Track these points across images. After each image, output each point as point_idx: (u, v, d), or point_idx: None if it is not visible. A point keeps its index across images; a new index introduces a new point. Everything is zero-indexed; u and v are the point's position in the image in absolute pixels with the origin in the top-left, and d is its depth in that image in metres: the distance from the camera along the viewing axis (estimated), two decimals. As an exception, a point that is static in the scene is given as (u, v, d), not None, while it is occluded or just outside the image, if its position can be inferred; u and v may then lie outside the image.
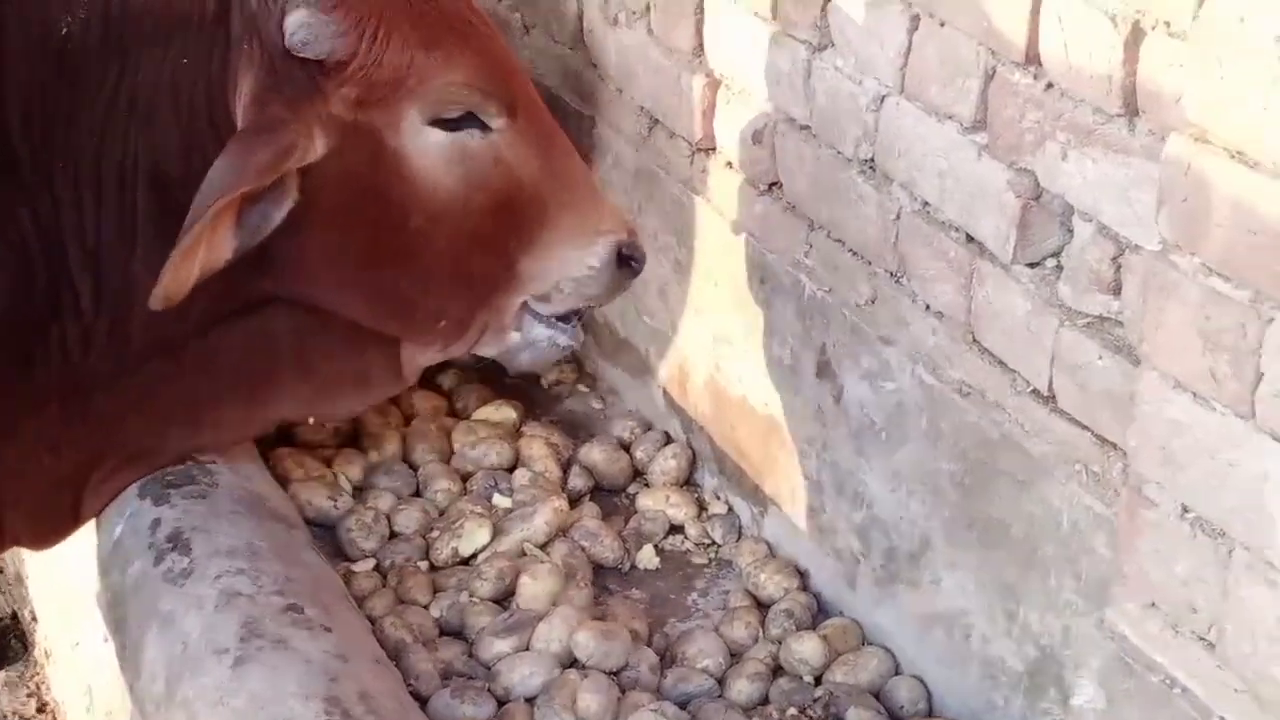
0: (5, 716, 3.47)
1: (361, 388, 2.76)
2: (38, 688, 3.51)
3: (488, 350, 2.73)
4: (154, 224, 2.46)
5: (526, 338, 2.69)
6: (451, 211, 2.51)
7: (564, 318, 2.69)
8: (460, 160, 2.50)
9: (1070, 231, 2.32)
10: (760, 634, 2.84)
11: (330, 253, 2.52)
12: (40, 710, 3.47)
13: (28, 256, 2.42)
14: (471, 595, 2.88)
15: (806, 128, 2.81)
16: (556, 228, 2.61)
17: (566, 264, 2.63)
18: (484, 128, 2.51)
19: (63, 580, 3.14)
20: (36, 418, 2.58)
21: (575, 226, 2.63)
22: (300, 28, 2.38)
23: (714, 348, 3.15)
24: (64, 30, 2.40)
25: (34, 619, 3.50)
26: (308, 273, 2.53)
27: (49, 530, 2.77)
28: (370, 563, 2.99)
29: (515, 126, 2.54)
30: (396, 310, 2.62)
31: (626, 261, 2.68)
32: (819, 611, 2.90)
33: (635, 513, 3.19)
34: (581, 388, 3.61)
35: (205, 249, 2.30)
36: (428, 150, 2.48)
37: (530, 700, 2.65)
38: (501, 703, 2.66)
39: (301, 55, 2.38)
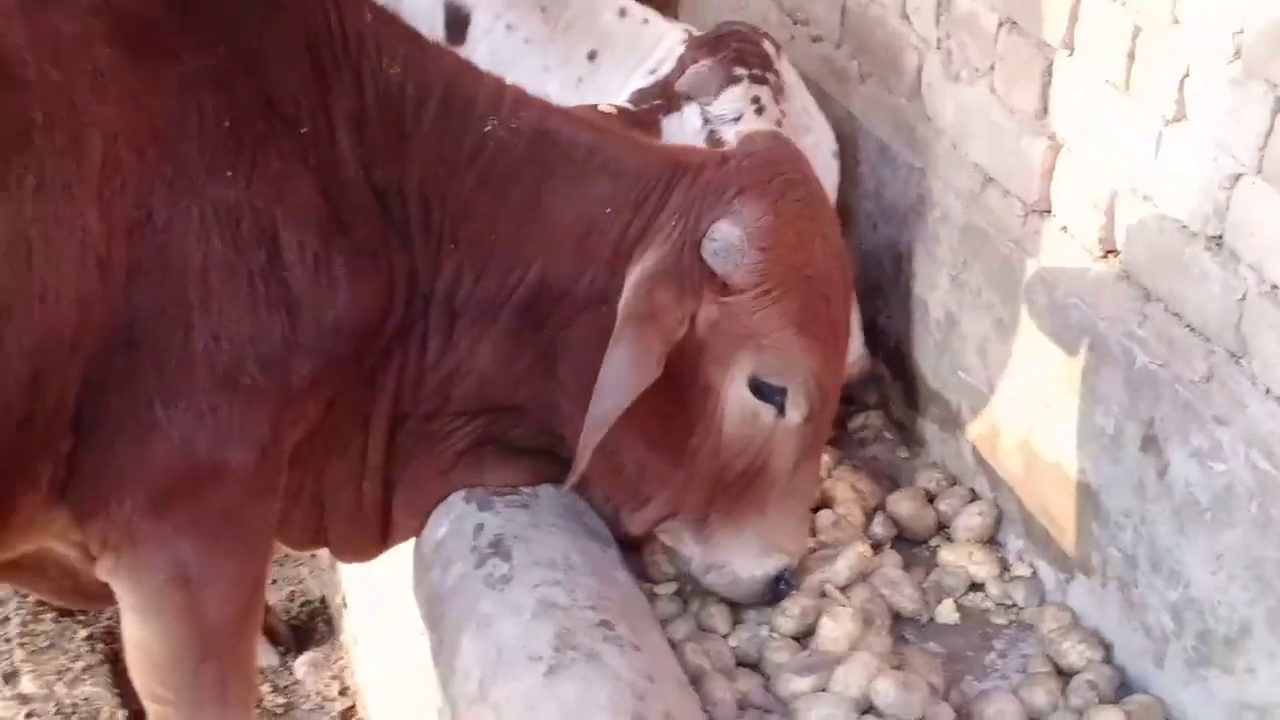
0: (309, 696, 3.64)
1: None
2: (341, 671, 3.68)
3: (665, 539, 2.93)
4: (515, 320, 2.68)
5: (685, 563, 2.91)
6: (716, 449, 2.70)
7: None
8: (749, 422, 2.69)
9: None
10: (1060, 702, 2.81)
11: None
12: (342, 693, 3.64)
13: (392, 289, 2.61)
14: (772, 630, 2.92)
15: (1150, 198, 2.79)
16: (761, 518, 2.79)
17: (742, 556, 2.82)
18: (781, 412, 2.67)
19: (380, 572, 3.27)
20: (365, 435, 2.76)
21: (773, 528, 2.80)
22: (723, 238, 2.56)
23: (1031, 409, 3.14)
24: (487, 128, 2.60)
25: (344, 605, 3.66)
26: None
27: (355, 548, 2.96)
28: (672, 586, 3.05)
29: (800, 428, 2.71)
30: (630, 474, 2.80)
31: (778, 583, 2.85)
32: (1121, 686, 2.87)
33: (936, 565, 3.19)
34: (887, 435, 3.63)
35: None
36: (732, 396, 2.67)
37: (826, 740, 2.69)
38: (797, 740, 2.70)
39: (705, 258, 2.54)
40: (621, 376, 2.48)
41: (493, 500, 2.87)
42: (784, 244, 2.58)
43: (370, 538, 2.88)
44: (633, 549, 3.01)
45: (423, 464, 2.84)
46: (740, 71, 3.37)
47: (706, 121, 3.34)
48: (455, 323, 2.67)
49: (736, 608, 2.98)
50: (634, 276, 2.56)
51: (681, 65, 3.41)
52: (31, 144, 2.28)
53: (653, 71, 3.46)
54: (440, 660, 2.76)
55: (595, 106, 3.24)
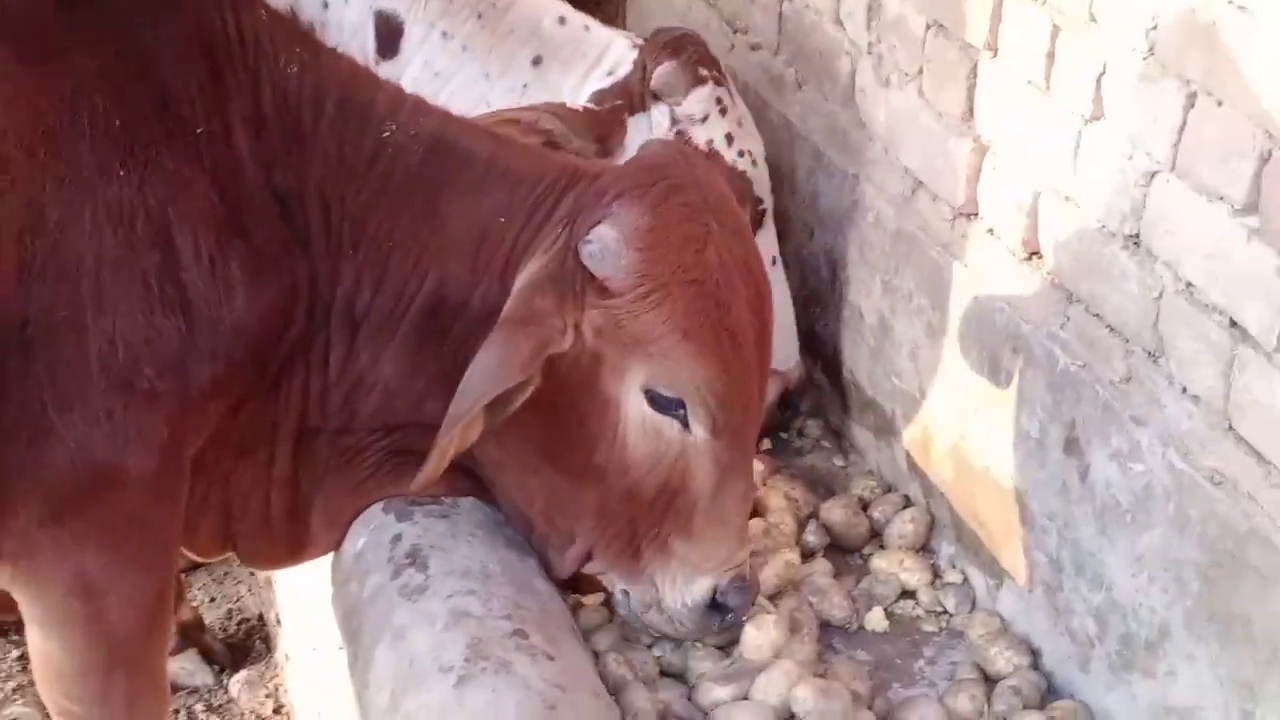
0: (243, 715, 3.60)
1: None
2: (275, 689, 3.64)
3: (604, 581, 2.86)
4: (416, 332, 2.63)
5: (628, 605, 2.81)
6: (623, 468, 2.63)
7: None
8: (652, 436, 2.61)
9: (1340, 323, 2.25)
10: (985, 708, 2.78)
11: (518, 429, 2.60)
12: (276, 711, 3.59)
13: (293, 295, 2.57)
14: (696, 640, 2.89)
15: (1071, 199, 2.77)
16: (688, 543, 2.70)
17: (670, 587, 2.73)
18: (685, 425, 2.60)
19: (307, 586, 3.24)
20: (272, 445, 2.72)
21: (699, 552, 2.70)
22: (599, 240, 2.51)
23: (960, 414, 3.11)
24: (385, 133, 2.56)
25: (279, 622, 3.63)
26: (495, 436, 2.62)
27: (265, 557, 2.91)
28: (599, 597, 3.01)
29: (710, 444, 2.62)
30: (539, 505, 2.76)
31: (719, 609, 2.75)
32: (1048, 691, 2.84)
33: (868, 574, 3.16)
34: (825, 444, 3.60)
35: (461, 435, 2.45)
36: (630, 409, 2.60)
37: (745, 750, 2.65)
38: (717, 749, 2.66)
39: (584, 262, 2.50)
40: (483, 375, 2.42)
41: (411, 510, 2.83)
42: (664, 245, 2.50)
43: (279, 548, 2.83)
44: (572, 590, 2.96)
45: (339, 478, 2.80)
46: (705, 73, 3.40)
47: (675, 122, 3.37)
48: (357, 333, 2.62)
49: (662, 617, 2.95)
50: (516, 284, 2.52)
51: (639, 67, 3.40)
52: None
53: (610, 73, 3.45)
54: (356, 673, 2.72)
55: (563, 104, 3.22)
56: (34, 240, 2.34)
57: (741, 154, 3.42)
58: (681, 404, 2.57)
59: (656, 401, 2.57)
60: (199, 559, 2.94)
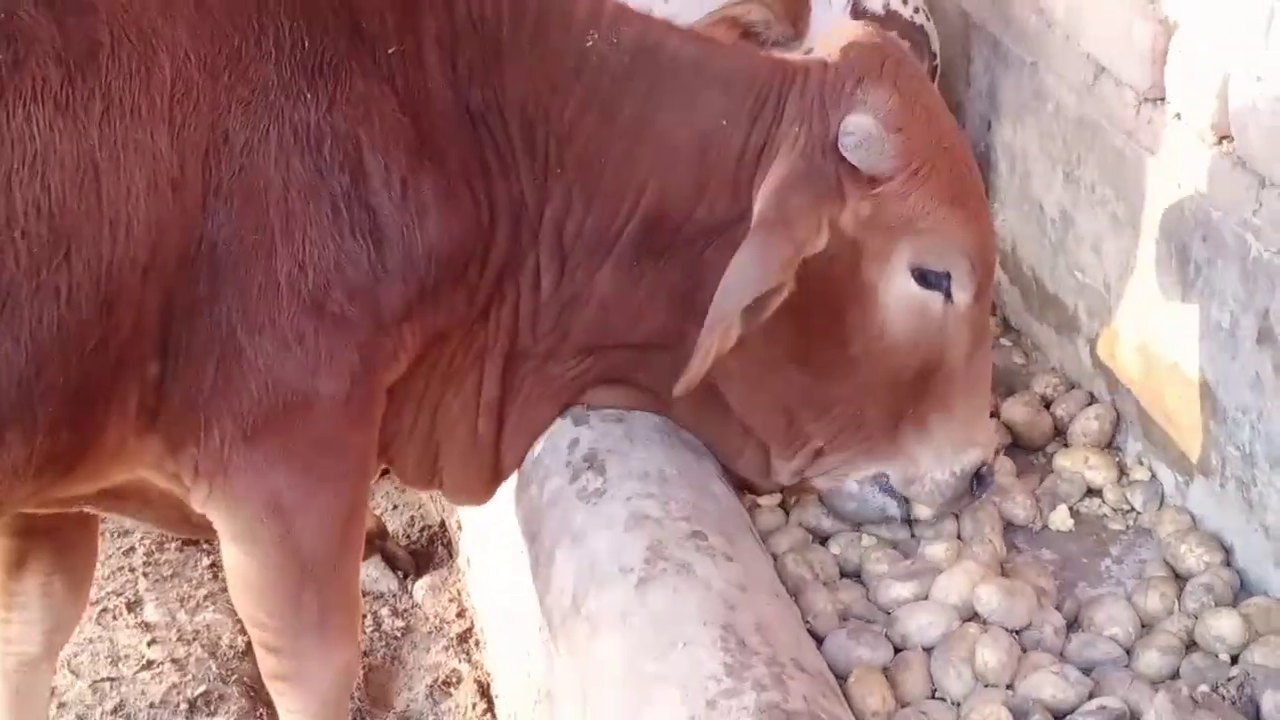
0: (428, 619, 3.66)
1: (729, 457, 2.84)
2: (458, 593, 3.69)
3: (822, 483, 2.82)
4: (634, 248, 2.60)
5: (862, 495, 2.81)
6: (883, 354, 2.61)
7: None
8: (918, 314, 2.59)
9: None
10: (1176, 607, 2.71)
11: (764, 333, 2.55)
12: (459, 615, 3.65)
13: (490, 217, 2.54)
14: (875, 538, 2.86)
15: (1263, 79, 2.65)
16: (948, 416, 2.68)
17: (937, 461, 2.71)
18: (948, 297, 2.58)
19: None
20: (480, 370, 2.70)
21: (961, 424, 2.70)
22: (858, 130, 2.47)
23: (1147, 307, 3.02)
24: (588, 44, 2.52)
25: (459, 528, 3.67)
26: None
27: (468, 489, 2.89)
28: (776, 498, 2.99)
29: (969, 311, 2.61)
30: (774, 409, 2.71)
31: (978, 480, 2.74)
32: (1241, 589, 2.75)
33: (1051, 472, 3.09)
34: (1005, 341, 3.53)
35: (720, 338, 2.42)
36: (895, 291, 2.58)
37: (927, 649, 2.62)
38: (898, 649, 2.63)
39: (844, 156, 2.47)
40: (742, 278, 2.38)
41: (587, 415, 2.83)
42: (916, 121, 2.51)
43: (482, 478, 2.82)
44: (749, 492, 2.93)
45: (538, 403, 2.78)
46: None
47: None
48: (569, 254, 2.59)
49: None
50: (765, 188, 2.47)
51: None
52: (98, 67, 2.24)
53: None
54: (538, 576, 2.74)
55: None
56: (219, 164, 2.32)
57: (916, 10, 3.46)
58: (948, 275, 2.58)
59: (924, 277, 2.57)
60: (409, 488, 2.93)
